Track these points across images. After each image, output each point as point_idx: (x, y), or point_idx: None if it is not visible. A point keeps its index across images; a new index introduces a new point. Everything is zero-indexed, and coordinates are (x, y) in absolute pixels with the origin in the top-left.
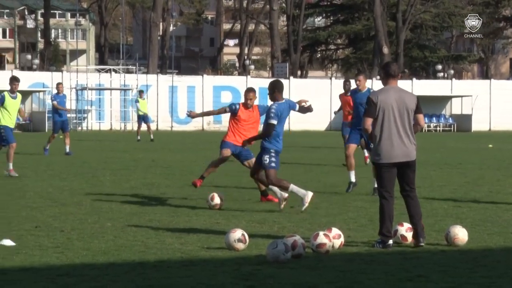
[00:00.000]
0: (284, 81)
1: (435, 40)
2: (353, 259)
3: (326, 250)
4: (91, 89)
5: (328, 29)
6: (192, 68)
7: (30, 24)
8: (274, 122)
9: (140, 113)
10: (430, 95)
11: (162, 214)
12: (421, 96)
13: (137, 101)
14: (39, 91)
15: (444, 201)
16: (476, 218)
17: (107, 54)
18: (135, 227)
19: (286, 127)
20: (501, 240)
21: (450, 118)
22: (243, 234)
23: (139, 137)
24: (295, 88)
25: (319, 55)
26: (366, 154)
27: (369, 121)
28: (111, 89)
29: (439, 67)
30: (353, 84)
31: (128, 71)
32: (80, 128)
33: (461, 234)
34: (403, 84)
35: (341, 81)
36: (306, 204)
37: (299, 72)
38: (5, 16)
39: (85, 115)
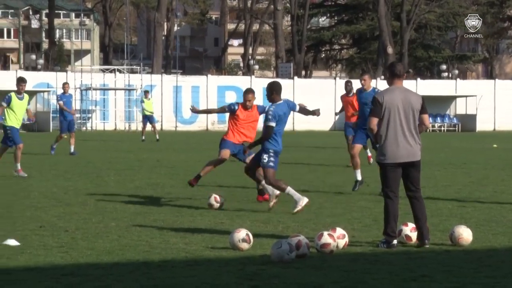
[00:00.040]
0: (288, 81)
1: (440, 40)
2: (357, 259)
3: (330, 250)
4: (96, 89)
5: (333, 29)
6: (196, 68)
7: (35, 24)
8: (273, 124)
9: (147, 113)
10: (435, 95)
11: (166, 214)
12: (426, 96)
13: (142, 101)
14: (43, 91)
15: (448, 201)
16: (481, 218)
17: (111, 54)
18: (139, 226)
19: (290, 127)
20: (506, 240)
21: (454, 118)
22: (247, 234)
23: (143, 137)
24: (299, 88)
25: (324, 55)
26: (369, 154)
27: (374, 121)
28: (115, 89)
29: (444, 67)
30: (357, 84)
31: (133, 71)
32: (84, 128)
33: (465, 234)
34: (408, 84)
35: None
36: (299, 208)
37: (303, 72)
38: (9, 16)
39: (90, 115)
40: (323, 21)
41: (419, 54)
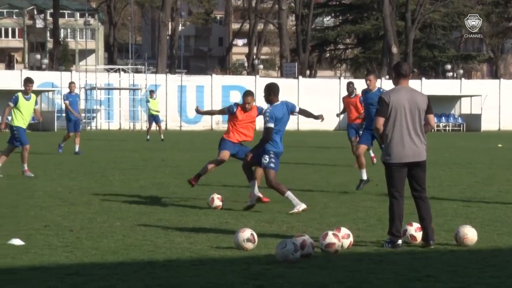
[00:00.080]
0: (293, 81)
1: (444, 40)
2: (362, 258)
3: (335, 250)
4: (100, 88)
5: (337, 28)
6: (201, 67)
7: (39, 24)
8: (271, 125)
9: (153, 112)
10: (440, 94)
11: (171, 214)
12: (431, 95)
13: (147, 101)
14: (48, 91)
15: (453, 201)
16: (486, 218)
17: (116, 53)
18: (144, 226)
19: (294, 126)
20: (511, 240)
21: (459, 118)
22: (252, 234)
23: (148, 137)
24: (304, 88)
25: (328, 54)
26: (372, 154)
27: (381, 121)
28: (120, 89)
29: (448, 66)
30: (360, 86)
31: (137, 71)
32: (89, 127)
33: (470, 234)
34: (413, 83)
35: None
36: (295, 211)
37: (308, 72)
38: (14, 16)
39: (94, 114)
40: (328, 20)
41: (424, 53)
